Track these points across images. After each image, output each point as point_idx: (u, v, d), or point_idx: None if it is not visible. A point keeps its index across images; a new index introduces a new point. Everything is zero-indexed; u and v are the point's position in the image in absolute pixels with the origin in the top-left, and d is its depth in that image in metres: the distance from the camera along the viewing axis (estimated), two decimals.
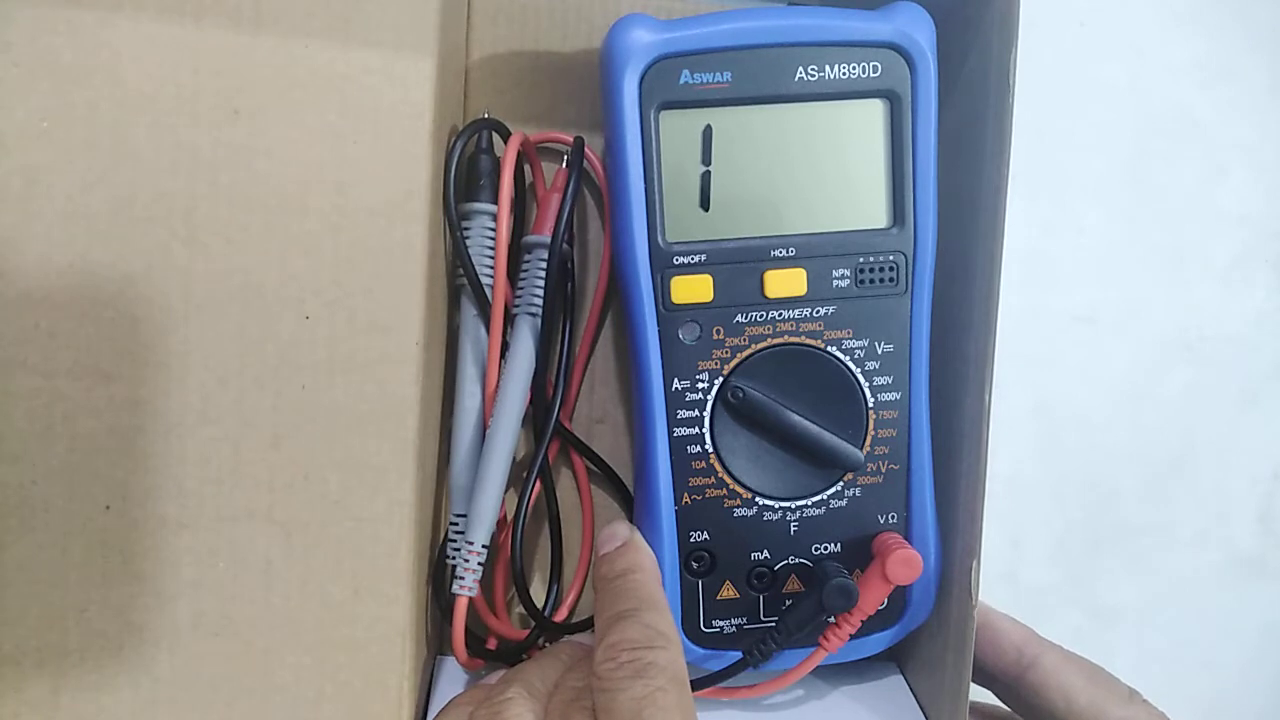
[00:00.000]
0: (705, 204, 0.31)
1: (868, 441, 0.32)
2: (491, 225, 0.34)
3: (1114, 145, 0.43)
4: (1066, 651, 0.34)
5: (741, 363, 0.31)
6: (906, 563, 0.30)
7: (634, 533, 0.31)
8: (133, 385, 0.29)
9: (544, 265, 0.33)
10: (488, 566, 0.35)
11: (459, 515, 0.34)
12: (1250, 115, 0.43)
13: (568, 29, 0.36)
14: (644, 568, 0.30)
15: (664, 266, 0.31)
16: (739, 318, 0.31)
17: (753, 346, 0.31)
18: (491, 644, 0.34)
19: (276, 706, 0.30)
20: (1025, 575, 0.36)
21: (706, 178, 0.31)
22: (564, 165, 0.34)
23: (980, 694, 0.35)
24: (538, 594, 0.36)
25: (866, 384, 0.32)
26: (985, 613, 0.34)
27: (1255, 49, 0.43)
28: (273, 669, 0.30)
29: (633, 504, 0.36)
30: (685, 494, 0.32)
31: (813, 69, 0.31)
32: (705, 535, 0.32)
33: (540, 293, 0.34)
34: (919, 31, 0.31)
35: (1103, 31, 0.43)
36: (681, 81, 0.30)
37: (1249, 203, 0.44)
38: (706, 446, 0.32)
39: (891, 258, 0.32)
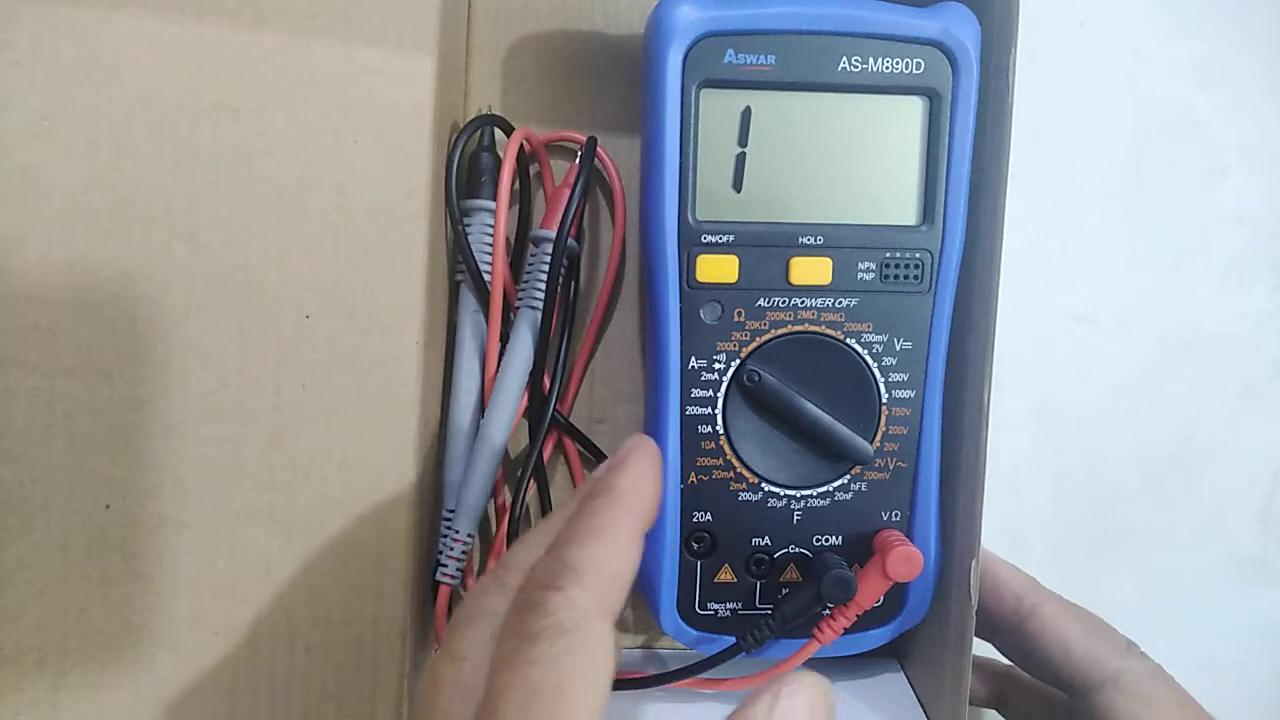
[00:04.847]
0: (738, 185, 0.31)
1: (878, 437, 0.32)
2: (493, 221, 0.34)
3: (1114, 145, 0.43)
4: (1066, 602, 0.34)
5: (760, 347, 0.32)
6: (907, 560, 0.31)
7: (633, 449, 0.24)
8: (133, 385, 0.29)
9: (548, 259, 0.33)
10: (482, 561, 0.35)
11: (450, 511, 0.34)
12: (1250, 116, 0.43)
13: (568, 28, 0.36)
14: (614, 492, 0.23)
15: (691, 244, 0.31)
16: (761, 301, 0.31)
17: (772, 331, 0.32)
18: None
19: (276, 706, 0.30)
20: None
21: (741, 159, 0.31)
22: (576, 162, 0.34)
23: (982, 649, 0.35)
24: None
25: (882, 379, 0.32)
26: (987, 560, 0.34)
27: (1255, 50, 0.43)
28: (273, 669, 0.30)
29: None
30: (692, 473, 0.32)
31: (856, 60, 0.31)
32: (708, 516, 0.32)
33: (543, 287, 0.33)
34: (965, 32, 0.31)
35: (1103, 31, 0.43)
36: (725, 60, 0.30)
37: (1249, 203, 0.44)
38: (717, 427, 0.32)
39: (918, 255, 0.32)
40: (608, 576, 0.22)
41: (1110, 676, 0.32)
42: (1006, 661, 0.36)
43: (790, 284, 0.31)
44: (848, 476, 0.32)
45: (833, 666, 0.36)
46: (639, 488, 0.24)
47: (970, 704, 0.32)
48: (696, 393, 0.32)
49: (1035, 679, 0.35)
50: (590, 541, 0.22)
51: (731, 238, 0.31)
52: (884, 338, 0.32)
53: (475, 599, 0.23)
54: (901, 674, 0.36)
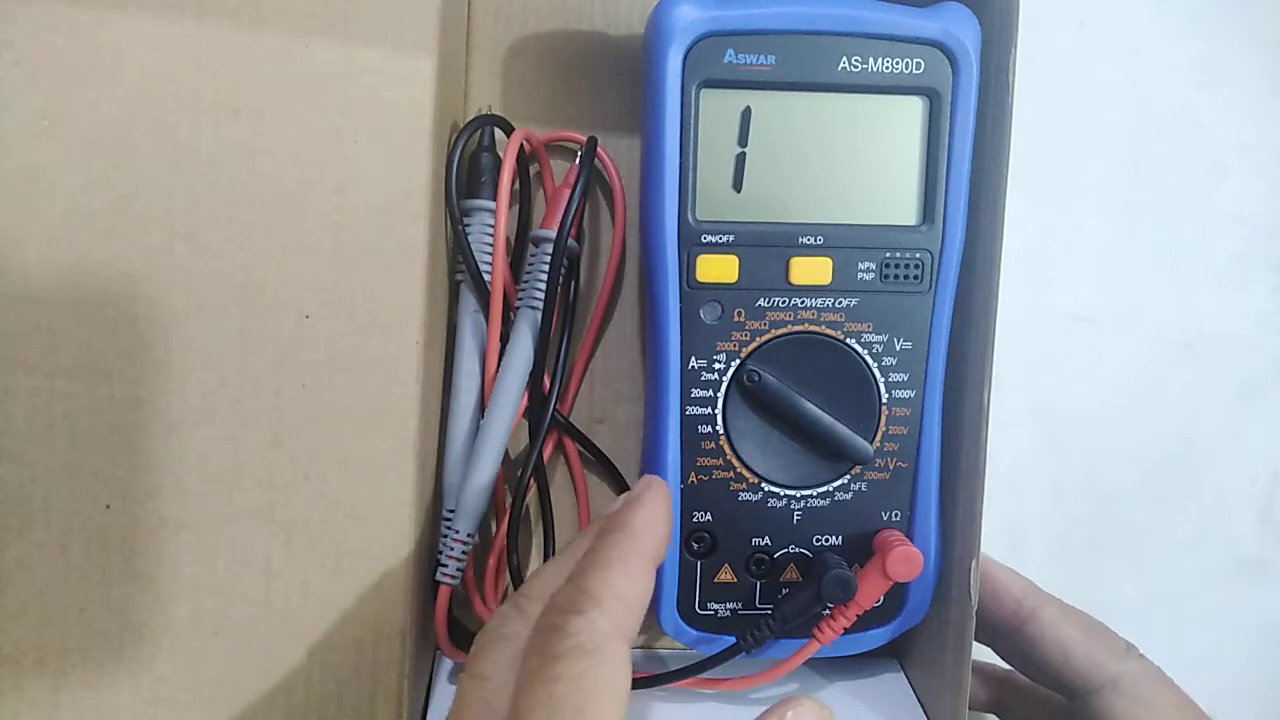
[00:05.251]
0: (738, 185, 0.31)
1: (878, 437, 0.32)
2: (493, 221, 0.34)
3: (1114, 145, 0.43)
4: (1065, 605, 0.34)
5: (760, 347, 0.32)
6: (907, 560, 0.31)
7: (650, 488, 0.27)
8: (133, 385, 0.29)
9: (548, 259, 0.33)
10: (482, 560, 0.35)
11: (450, 511, 0.34)
12: (1250, 115, 0.43)
13: (568, 28, 0.36)
14: (629, 528, 0.25)
15: (691, 244, 0.31)
16: (761, 301, 0.31)
17: (772, 331, 0.32)
18: None
19: (276, 706, 0.30)
20: (1025, 575, 0.36)
21: (741, 159, 0.31)
22: (576, 162, 0.34)
23: (980, 653, 0.35)
24: None
25: (882, 379, 0.32)
26: (986, 564, 0.34)
27: (1255, 50, 0.43)
28: (273, 669, 0.30)
29: None
30: (692, 473, 0.32)
31: (856, 60, 0.31)
32: (708, 516, 0.32)
33: (543, 287, 0.33)
34: (965, 32, 0.31)
35: (1103, 31, 0.43)
36: (725, 60, 0.30)
37: (1249, 203, 0.44)
38: (717, 427, 0.32)
39: (918, 255, 0.32)
40: (625, 603, 0.23)
41: (1109, 679, 0.32)
42: (1005, 666, 0.36)
43: (790, 284, 0.31)
44: (848, 476, 0.32)
45: (833, 666, 0.36)
46: (652, 526, 0.25)
47: (969, 708, 0.32)
48: (696, 393, 0.32)
49: (1034, 683, 0.35)
50: (608, 570, 0.24)
51: (731, 238, 0.31)
52: (884, 338, 0.32)
53: (497, 625, 0.24)
54: (901, 674, 0.36)
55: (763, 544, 0.33)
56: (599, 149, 0.34)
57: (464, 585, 0.35)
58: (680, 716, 0.33)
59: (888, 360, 0.32)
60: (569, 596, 0.23)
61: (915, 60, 0.31)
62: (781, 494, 0.32)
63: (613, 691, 0.21)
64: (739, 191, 0.31)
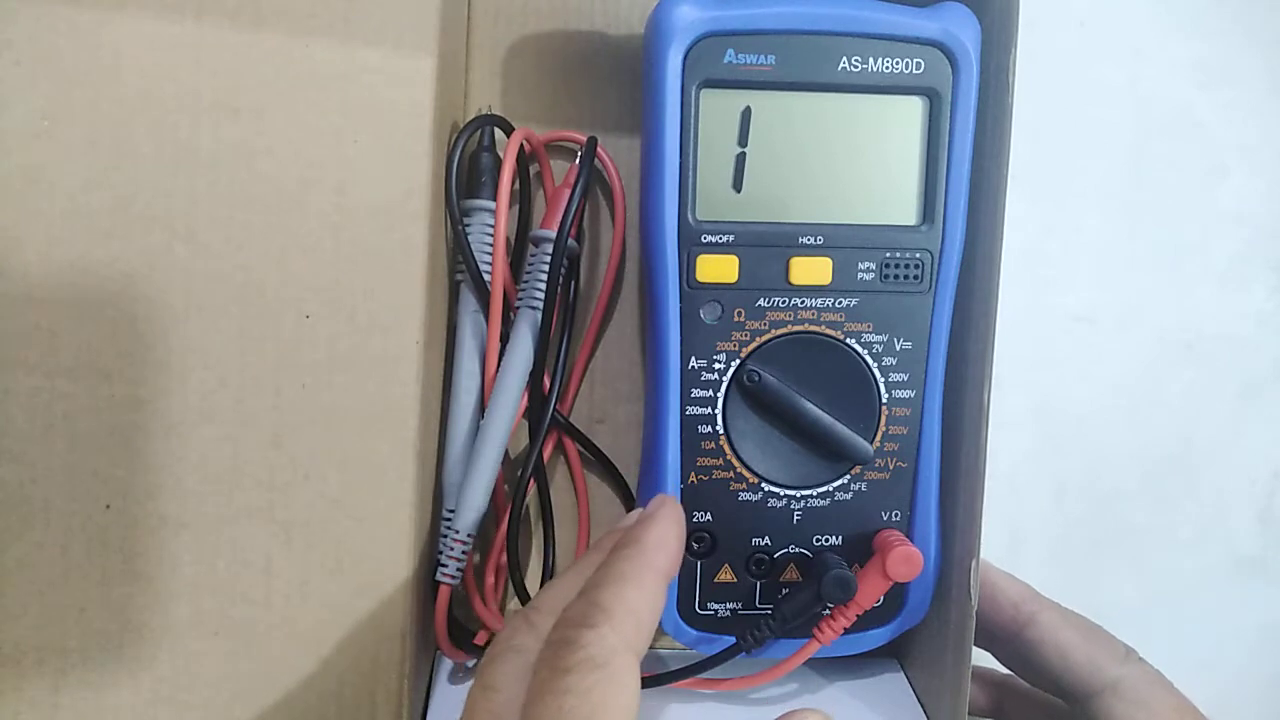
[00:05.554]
0: (738, 185, 0.31)
1: (878, 437, 0.32)
2: (493, 221, 0.34)
3: (1114, 145, 0.43)
4: (1064, 609, 0.34)
5: (760, 347, 0.32)
6: (907, 560, 0.31)
7: (663, 506, 0.27)
8: (133, 385, 0.29)
9: (548, 259, 0.33)
10: (482, 560, 0.35)
11: (450, 511, 0.34)
12: (1250, 116, 0.43)
13: (568, 28, 0.36)
14: (641, 544, 0.26)
15: (691, 244, 0.31)
16: (761, 301, 0.31)
17: (772, 331, 0.32)
18: (480, 639, 0.34)
19: (276, 706, 0.30)
20: (1025, 575, 0.36)
21: (741, 159, 0.31)
22: (576, 162, 0.34)
23: (980, 657, 0.35)
24: (533, 590, 0.35)
25: (882, 379, 0.32)
26: (984, 569, 0.34)
27: (1255, 50, 0.43)
28: (273, 669, 0.30)
29: (631, 499, 0.36)
30: (692, 473, 0.32)
31: (856, 60, 0.31)
32: (708, 516, 0.32)
33: (543, 287, 0.34)
34: (965, 32, 0.31)
35: (1103, 31, 0.43)
36: (725, 60, 0.30)
37: (1249, 203, 0.44)
38: (717, 427, 0.32)
39: (918, 255, 0.32)
40: (636, 618, 0.24)
41: (1109, 683, 0.32)
42: (1005, 670, 0.36)
43: (790, 284, 0.31)
44: (848, 476, 0.32)
45: (833, 666, 0.36)
46: (665, 543, 0.26)
47: (969, 713, 0.32)
48: (696, 393, 0.32)
49: (1034, 687, 0.35)
50: (621, 585, 0.24)
51: (731, 238, 0.31)
52: (884, 338, 0.32)
53: (506, 637, 0.25)
54: (901, 674, 0.36)
55: (763, 544, 0.33)
56: (599, 149, 0.34)
57: (464, 585, 0.35)
58: (680, 716, 0.33)
59: (888, 360, 0.32)
60: (581, 610, 0.23)
61: (915, 60, 0.31)
62: (781, 494, 0.32)
63: (622, 705, 0.22)
64: (739, 191, 0.31)
